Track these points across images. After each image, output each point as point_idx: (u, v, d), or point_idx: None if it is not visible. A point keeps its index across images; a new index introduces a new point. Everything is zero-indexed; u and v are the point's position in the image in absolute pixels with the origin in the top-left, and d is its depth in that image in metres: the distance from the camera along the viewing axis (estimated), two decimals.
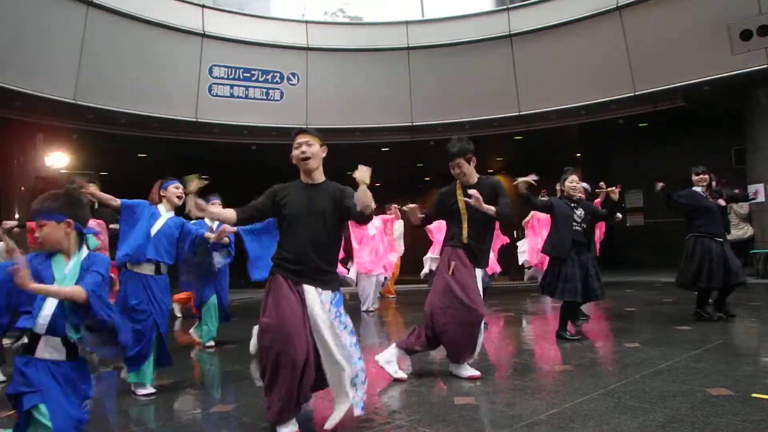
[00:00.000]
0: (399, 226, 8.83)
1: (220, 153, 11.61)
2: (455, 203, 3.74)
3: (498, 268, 8.08)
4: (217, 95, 10.28)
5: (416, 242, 9.31)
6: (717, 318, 5.31)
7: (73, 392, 2.06)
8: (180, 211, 3.67)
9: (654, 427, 2.54)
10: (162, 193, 3.92)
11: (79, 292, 1.97)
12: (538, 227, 9.07)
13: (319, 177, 2.94)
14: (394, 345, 3.79)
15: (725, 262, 5.20)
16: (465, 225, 3.68)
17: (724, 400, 2.89)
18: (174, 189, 3.94)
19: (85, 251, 2.16)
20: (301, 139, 2.92)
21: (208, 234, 4.11)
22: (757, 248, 9.45)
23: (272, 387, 2.65)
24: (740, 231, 9.59)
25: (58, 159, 8.49)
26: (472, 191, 3.51)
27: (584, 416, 2.74)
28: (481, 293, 3.78)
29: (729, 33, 8.68)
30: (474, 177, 3.77)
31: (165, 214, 3.90)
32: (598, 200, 6.32)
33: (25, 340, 2.03)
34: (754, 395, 2.93)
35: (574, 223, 4.84)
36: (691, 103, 10.07)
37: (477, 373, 3.64)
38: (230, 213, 2.83)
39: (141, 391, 3.59)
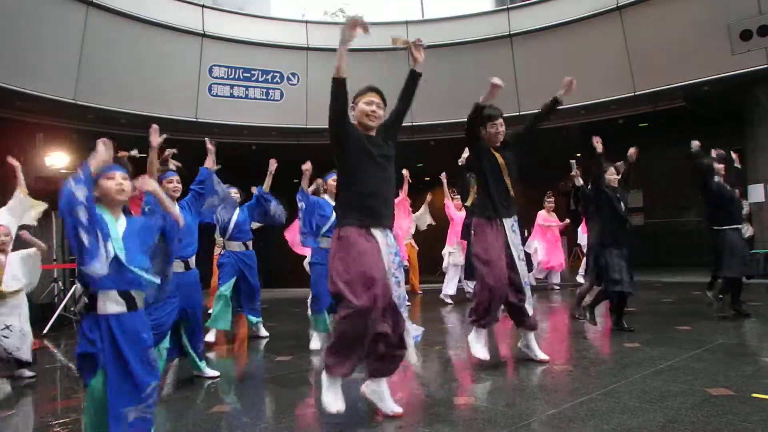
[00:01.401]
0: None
1: (220, 153, 11.60)
2: (494, 161, 3.89)
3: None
4: (217, 95, 10.28)
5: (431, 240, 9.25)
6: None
7: (136, 343, 2.15)
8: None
9: (654, 427, 2.54)
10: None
11: (178, 212, 2.40)
12: (541, 231, 9.13)
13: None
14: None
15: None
16: (508, 180, 3.90)
17: (724, 400, 2.89)
18: (167, 183, 3.90)
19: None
20: (375, 98, 3.01)
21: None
22: (757, 248, 9.45)
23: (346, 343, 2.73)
24: None
25: (58, 159, 8.49)
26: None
27: (584, 416, 2.74)
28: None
29: (729, 33, 8.68)
30: None
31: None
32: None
33: (86, 300, 2.14)
34: (754, 395, 2.93)
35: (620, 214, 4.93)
36: (691, 103, 10.07)
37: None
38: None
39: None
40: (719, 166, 5.58)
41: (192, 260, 3.85)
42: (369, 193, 2.85)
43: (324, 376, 2.80)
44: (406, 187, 7.90)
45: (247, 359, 5.01)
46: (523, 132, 4.13)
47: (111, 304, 2.14)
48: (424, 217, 8.84)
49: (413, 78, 3.15)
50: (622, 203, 4.97)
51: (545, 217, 9.18)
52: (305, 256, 6.50)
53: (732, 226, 5.46)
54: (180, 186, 4.00)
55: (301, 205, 4.91)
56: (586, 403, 2.95)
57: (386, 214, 2.92)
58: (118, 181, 2.27)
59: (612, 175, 5.02)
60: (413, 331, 3.01)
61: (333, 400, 2.74)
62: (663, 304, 6.78)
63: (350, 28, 2.76)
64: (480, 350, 3.86)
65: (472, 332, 3.95)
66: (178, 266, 3.68)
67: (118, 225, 2.24)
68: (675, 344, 4.34)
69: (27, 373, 4.24)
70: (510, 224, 3.94)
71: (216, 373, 3.95)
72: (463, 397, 3.22)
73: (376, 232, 2.83)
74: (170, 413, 3.25)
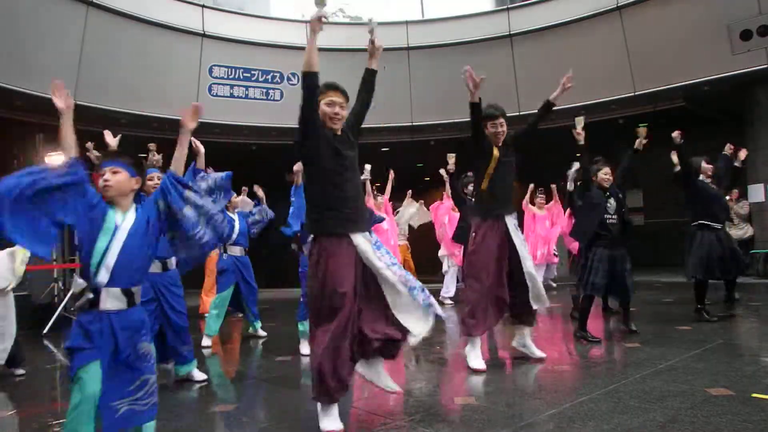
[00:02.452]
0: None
1: (220, 153, 11.61)
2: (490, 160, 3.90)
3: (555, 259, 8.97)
4: (217, 95, 10.28)
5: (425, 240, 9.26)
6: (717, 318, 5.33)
7: (133, 337, 2.18)
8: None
9: (654, 427, 2.54)
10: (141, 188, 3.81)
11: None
12: (533, 224, 9.08)
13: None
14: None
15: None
16: (509, 180, 3.98)
17: (724, 400, 2.89)
18: (148, 181, 3.72)
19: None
20: (337, 98, 2.84)
21: None
22: (757, 248, 9.45)
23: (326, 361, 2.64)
24: (740, 231, 9.59)
25: (58, 159, 8.49)
26: None
27: (584, 416, 2.74)
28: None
29: (729, 33, 8.68)
30: None
31: None
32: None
33: (90, 296, 2.14)
34: (754, 395, 2.93)
35: (607, 215, 4.79)
36: (691, 103, 10.07)
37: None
38: None
39: None
40: (707, 167, 5.60)
41: (171, 261, 3.78)
42: (346, 197, 2.78)
43: (319, 406, 2.71)
44: (389, 188, 7.88)
45: (247, 359, 5.01)
46: (521, 134, 4.12)
47: (113, 300, 2.16)
48: (419, 215, 8.80)
49: (370, 74, 3.07)
50: (613, 202, 4.85)
51: (535, 211, 9.12)
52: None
53: (709, 224, 5.38)
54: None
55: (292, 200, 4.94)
56: (586, 403, 2.95)
57: (363, 217, 2.87)
58: (105, 176, 2.27)
59: (606, 175, 4.97)
60: (427, 305, 2.86)
61: (333, 422, 2.67)
62: (663, 304, 6.78)
63: (316, 21, 2.70)
64: (476, 361, 3.81)
65: (468, 345, 3.91)
66: (155, 266, 3.65)
67: (125, 220, 2.24)
68: (675, 344, 4.34)
69: (18, 371, 4.28)
70: (512, 222, 3.94)
71: (204, 376, 3.89)
72: (463, 397, 3.22)
73: (355, 237, 2.77)
74: (170, 413, 3.25)
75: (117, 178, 2.26)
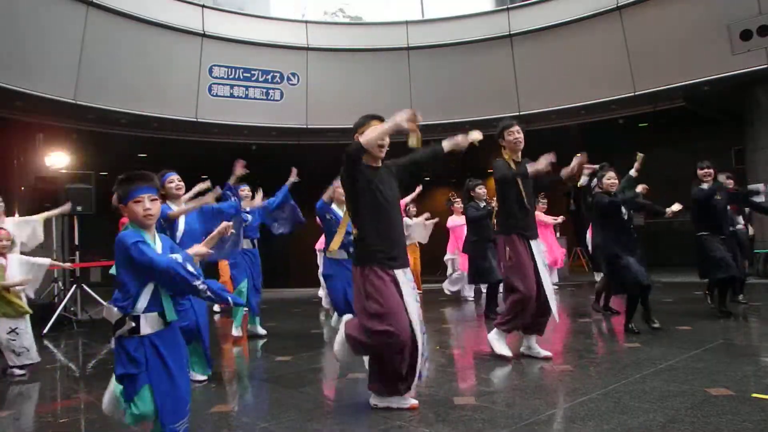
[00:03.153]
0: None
1: (220, 153, 11.62)
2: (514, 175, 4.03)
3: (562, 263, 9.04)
4: (217, 95, 10.27)
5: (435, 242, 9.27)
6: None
7: (179, 354, 2.30)
8: None
9: (654, 427, 2.54)
10: (161, 191, 3.83)
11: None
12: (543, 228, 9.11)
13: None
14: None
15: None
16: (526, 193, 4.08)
17: (724, 400, 2.89)
18: (168, 184, 3.91)
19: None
20: None
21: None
22: (757, 248, 9.45)
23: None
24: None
25: (58, 159, 8.48)
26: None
27: (584, 416, 2.74)
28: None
29: (729, 33, 8.67)
30: None
31: (178, 210, 3.88)
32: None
33: (132, 324, 2.19)
34: (754, 395, 2.93)
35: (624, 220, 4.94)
36: (691, 103, 10.06)
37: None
38: None
39: None
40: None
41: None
42: (385, 236, 2.94)
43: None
44: (410, 198, 7.96)
45: (247, 359, 5.01)
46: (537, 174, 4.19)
47: (153, 324, 2.23)
48: (426, 231, 8.80)
49: (436, 156, 3.29)
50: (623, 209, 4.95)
51: (539, 216, 9.14)
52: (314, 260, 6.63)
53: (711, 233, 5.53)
54: (182, 184, 3.99)
55: (329, 216, 4.93)
56: (586, 403, 2.95)
57: (402, 253, 3.02)
58: (145, 206, 2.27)
59: (610, 180, 5.00)
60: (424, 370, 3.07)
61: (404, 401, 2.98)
62: (663, 304, 6.77)
63: (409, 120, 2.88)
64: (504, 348, 4.10)
65: (493, 332, 4.16)
66: None
67: (156, 245, 2.29)
68: (675, 344, 4.34)
69: (17, 372, 4.31)
70: (534, 243, 4.11)
71: (203, 377, 3.89)
72: (463, 397, 3.22)
73: (397, 273, 2.94)
74: None
75: (157, 206, 2.31)
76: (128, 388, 2.18)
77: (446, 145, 3.22)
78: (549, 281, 4.13)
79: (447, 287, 8.36)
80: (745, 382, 3.20)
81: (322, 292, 7.84)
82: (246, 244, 5.66)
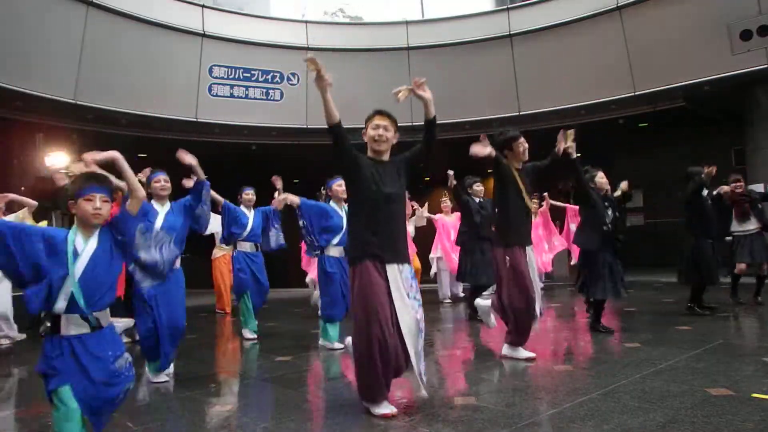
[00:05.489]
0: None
1: (220, 153, 11.62)
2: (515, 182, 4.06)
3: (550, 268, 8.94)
4: (217, 95, 10.27)
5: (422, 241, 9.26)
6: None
7: (100, 360, 2.17)
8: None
9: (654, 427, 2.54)
10: (147, 189, 3.79)
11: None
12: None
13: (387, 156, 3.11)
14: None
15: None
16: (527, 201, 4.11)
17: (724, 400, 2.89)
18: (155, 183, 3.89)
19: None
20: (382, 121, 3.10)
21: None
22: None
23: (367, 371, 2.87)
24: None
25: (58, 159, 8.48)
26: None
27: (584, 416, 2.74)
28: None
29: (729, 33, 8.67)
30: None
31: (161, 209, 3.87)
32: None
33: (48, 324, 2.14)
34: (754, 395, 2.93)
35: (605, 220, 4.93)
36: (691, 103, 10.06)
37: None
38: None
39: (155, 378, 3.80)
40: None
41: (176, 261, 3.76)
42: (376, 229, 2.91)
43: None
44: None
45: (247, 359, 5.01)
46: (541, 168, 4.33)
47: (73, 326, 2.14)
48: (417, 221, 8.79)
49: (429, 125, 3.33)
50: (609, 210, 4.96)
51: (556, 204, 9.09)
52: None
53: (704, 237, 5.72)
54: (168, 185, 3.97)
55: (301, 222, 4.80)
56: (586, 403, 2.95)
57: (398, 248, 2.98)
58: (96, 204, 2.22)
59: (603, 179, 5.02)
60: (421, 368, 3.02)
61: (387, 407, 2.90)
62: (663, 304, 6.79)
63: (312, 68, 2.87)
64: (523, 352, 4.07)
65: (506, 347, 4.13)
66: None
67: (87, 245, 2.21)
68: (675, 344, 4.34)
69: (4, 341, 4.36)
70: (528, 249, 4.11)
71: (170, 371, 3.92)
72: (463, 397, 3.22)
73: (388, 267, 2.90)
74: (170, 413, 3.26)
75: (107, 207, 2.26)
76: (48, 385, 2.13)
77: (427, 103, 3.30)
78: (538, 288, 4.14)
79: (443, 297, 8.14)
80: (745, 382, 3.20)
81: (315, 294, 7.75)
82: (248, 247, 5.66)
